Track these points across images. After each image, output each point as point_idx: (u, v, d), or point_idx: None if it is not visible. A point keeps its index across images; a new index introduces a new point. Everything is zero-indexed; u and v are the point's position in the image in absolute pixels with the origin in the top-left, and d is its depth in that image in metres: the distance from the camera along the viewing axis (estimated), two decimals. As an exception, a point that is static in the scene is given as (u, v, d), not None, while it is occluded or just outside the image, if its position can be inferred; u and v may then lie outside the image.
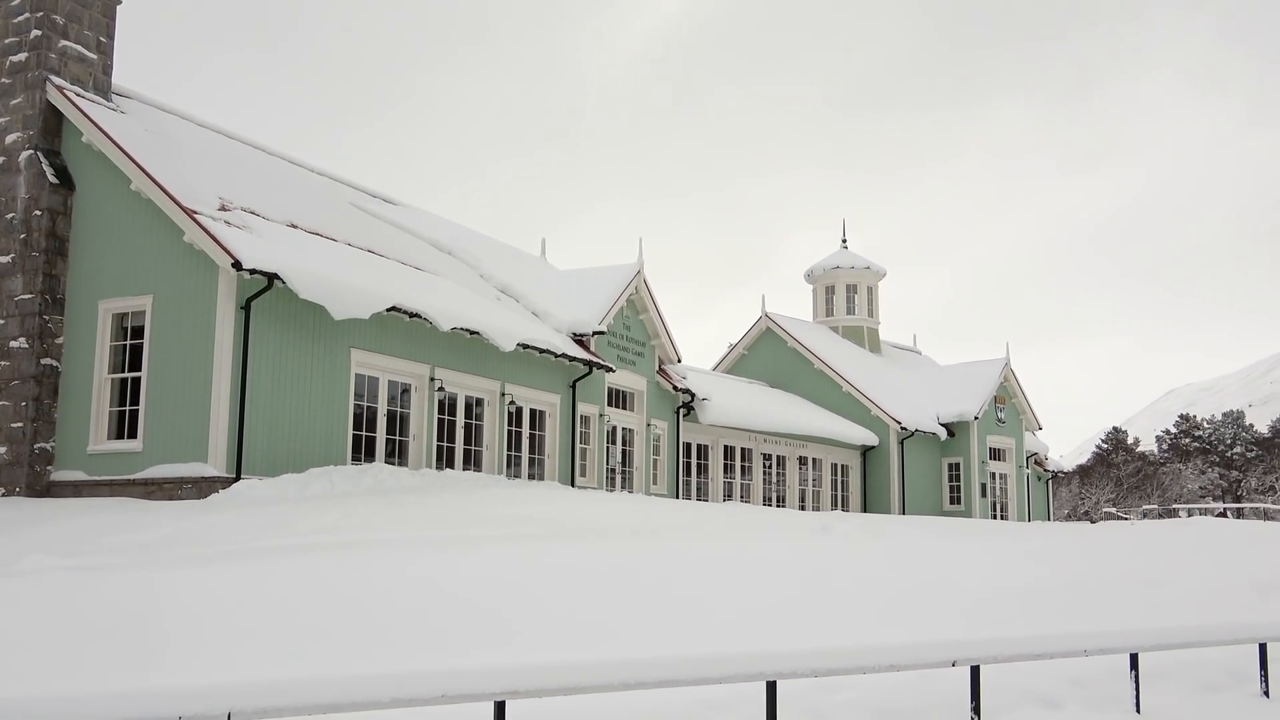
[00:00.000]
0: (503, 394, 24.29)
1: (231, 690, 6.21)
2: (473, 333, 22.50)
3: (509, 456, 24.72)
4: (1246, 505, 71.52)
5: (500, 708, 7.42)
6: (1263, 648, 11.79)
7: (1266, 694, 11.57)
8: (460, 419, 23.49)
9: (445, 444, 23.01)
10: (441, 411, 22.92)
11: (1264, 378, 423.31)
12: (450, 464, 22.98)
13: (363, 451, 21.00)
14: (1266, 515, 69.89)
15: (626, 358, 29.06)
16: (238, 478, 18.02)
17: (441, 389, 22.64)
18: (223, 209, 19.78)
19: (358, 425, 20.96)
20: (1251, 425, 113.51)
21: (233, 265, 17.85)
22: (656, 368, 30.45)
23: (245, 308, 18.51)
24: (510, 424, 24.79)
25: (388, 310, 20.28)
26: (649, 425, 29.91)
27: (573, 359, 25.55)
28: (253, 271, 18.05)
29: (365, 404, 21.16)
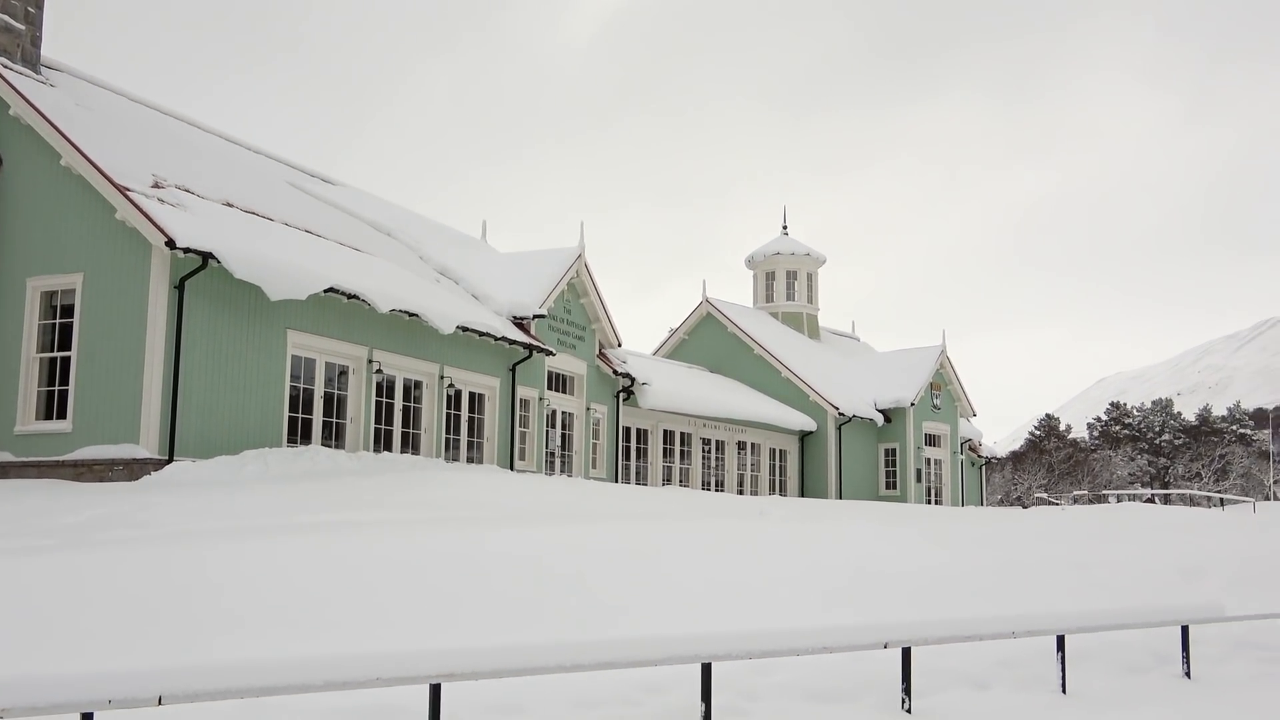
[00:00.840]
0: (442, 377, 24.17)
1: (162, 674, 6.14)
2: (412, 315, 22.34)
3: (448, 440, 24.61)
4: (1174, 491, 73.22)
5: (436, 690, 7.41)
6: (1185, 630, 12.09)
7: (1188, 675, 11.87)
8: (399, 402, 23.33)
9: (383, 427, 22.85)
10: (379, 394, 22.75)
11: (1192, 367, 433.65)
12: (388, 447, 22.84)
13: (299, 434, 20.79)
14: (1192, 501, 71.59)
15: (567, 341, 29.04)
16: (170, 459, 17.75)
17: (380, 371, 22.47)
18: (156, 186, 19.43)
19: (294, 407, 20.72)
20: (1179, 413, 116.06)
21: (166, 244, 17.55)
22: (597, 352, 30.46)
23: (179, 287, 18.21)
24: (449, 407, 24.67)
25: (325, 291, 20.06)
26: (589, 409, 29.93)
27: (513, 342, 25.47)
28: (186, 250, 17.76)
29: (302, 386, 20.93)
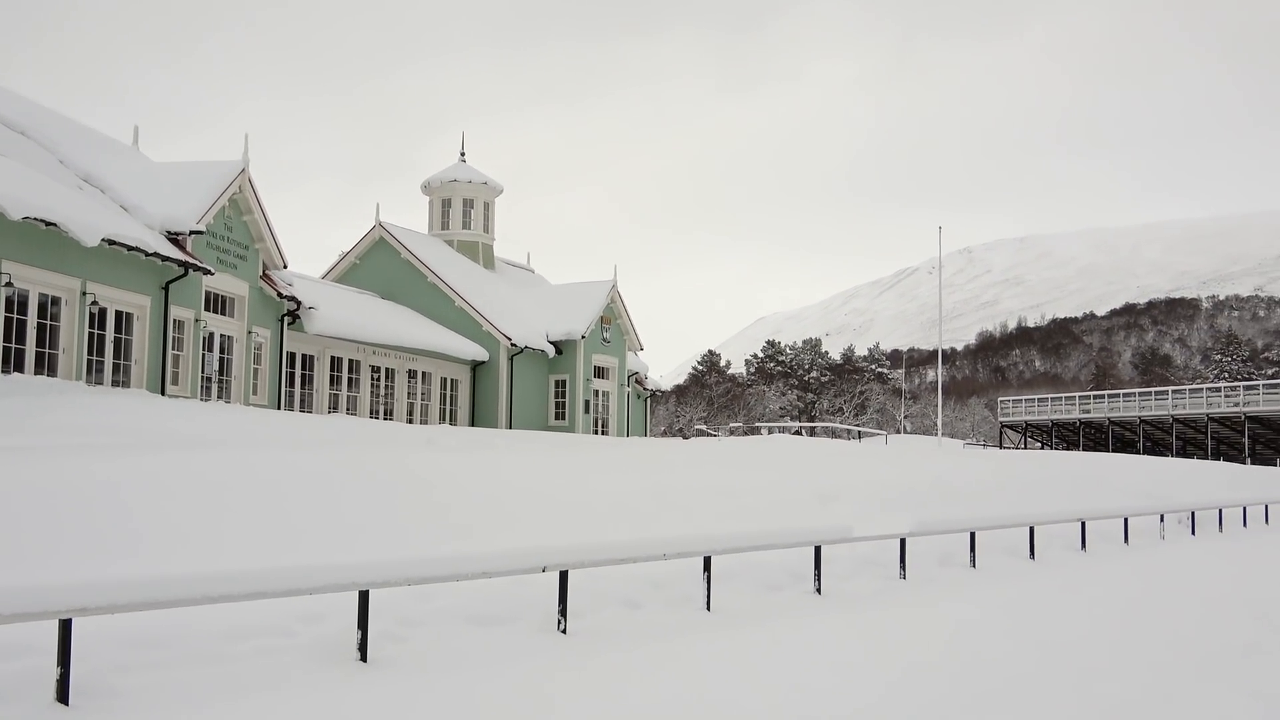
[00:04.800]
0: (84, 293, 22.30)
1: None
2: (49, 224, 20.41)
3: (90, 362, 22.80)
4: (819, 425, 78.93)
5: (66, 626, 6.90)
6: (818, 550, 13.10)
7: (819, 591, 12.88)
8: (32, 319, 21.35)
9: (14, 346, 20.86)
10: (10, 310, 20.72)
11: (841, 309, 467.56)
12: (20, 368, 20.90)
13: (-90, 351, 18.62)
14: (834, 434, 77.52)
15: (227, 261, 27.49)
16: None
17: (10, 284, 20.44)
18: None
19: (-96, 321, 18.53)
20: (827, 352, 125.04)
21: None
22: (260, 273, 29.03)
23: None
24: (92, 326, 22.83)
25: (-56, 193, 17.97)
26: (250, 333, 28.55)
27: (166, 259, 23.82)
28: None
29: (-86, 297, 18.73)
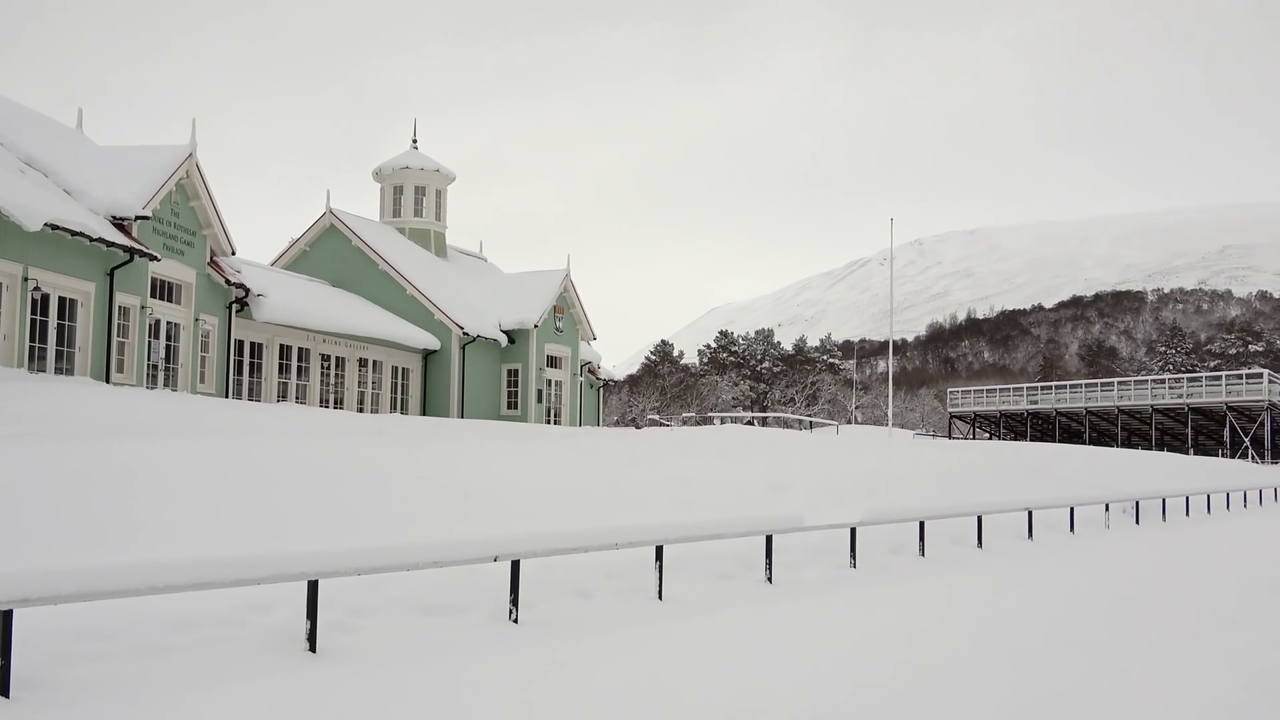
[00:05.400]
0: (25, 279, 21.87)
1: None
2: (-10, 208, 19.99)
3: (32, 349, 22.38)
4: (771, 414, 79.35)
5: (6, 617, 6.76)
6: (769, 540, 13.17)
7: (770, 580, 12.94)
8: (-27, 304, 20.92)
9: (-47, 332, 20.44)
10: (-51, 295, 20.29)
11: (793, 300, 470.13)
12: (-41, 354, 20.47)
13: None
14: (786, 424, 77.90)
15: (174, 247, 27.09)
16: None
17: (-50, 269, 20.02)
18: None
19: None
20: (779, 343, 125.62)
21: None
22: (208, 259, 28.64)
23: None
24: (35, 312, 22.40)
25: (-120, 175, 17.53)
26: (198, 320, 28.17)
27: (111, 244, 23.42)
28: None
29: None
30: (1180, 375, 76.52)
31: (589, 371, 47.45)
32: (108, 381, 23.82)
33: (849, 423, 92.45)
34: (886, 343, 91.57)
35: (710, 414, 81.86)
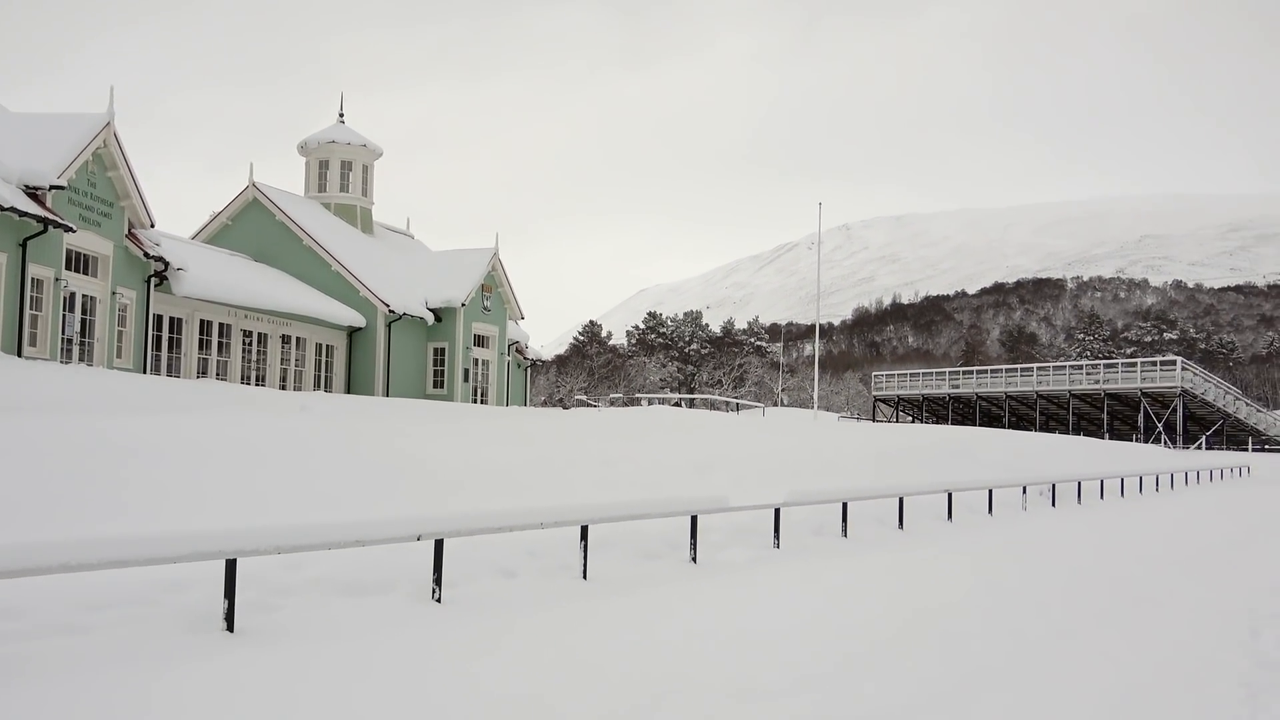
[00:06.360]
0: (-66, 248, 21.21)
1: None
2: (-105, 174, 19.31)
3: (-60, 320, 21.72)
4: (698, 396, 79.69)
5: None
6: (694, 520, 13.22)
7: (695, 560, 13.01)
8: (-123, 274, 20.21)
9: None
10: None
11: (722, 282, 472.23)
12: None
13: None
14: (713, 406, 78.31)
15: (91, 218, 26.40)
16: None
17: None
18: None
19: None
20: (707, 325, 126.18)
21: None
22: (126, 231, 27.95)
23: None
24: (-57, 283, 21.73)
25: None
26: (115, 294, 27.51)
27: (24, 214, 22.76)
28: None
29: None
30: (1097, 362, 78.26)
31: (517, 351, 47.23)
32: (20, 355, 23.20)
33: (775, 405, 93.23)
34: (813, 326, 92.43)
35: (638, 395, 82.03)
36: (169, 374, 30.75)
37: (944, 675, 8.07)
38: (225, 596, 8.29)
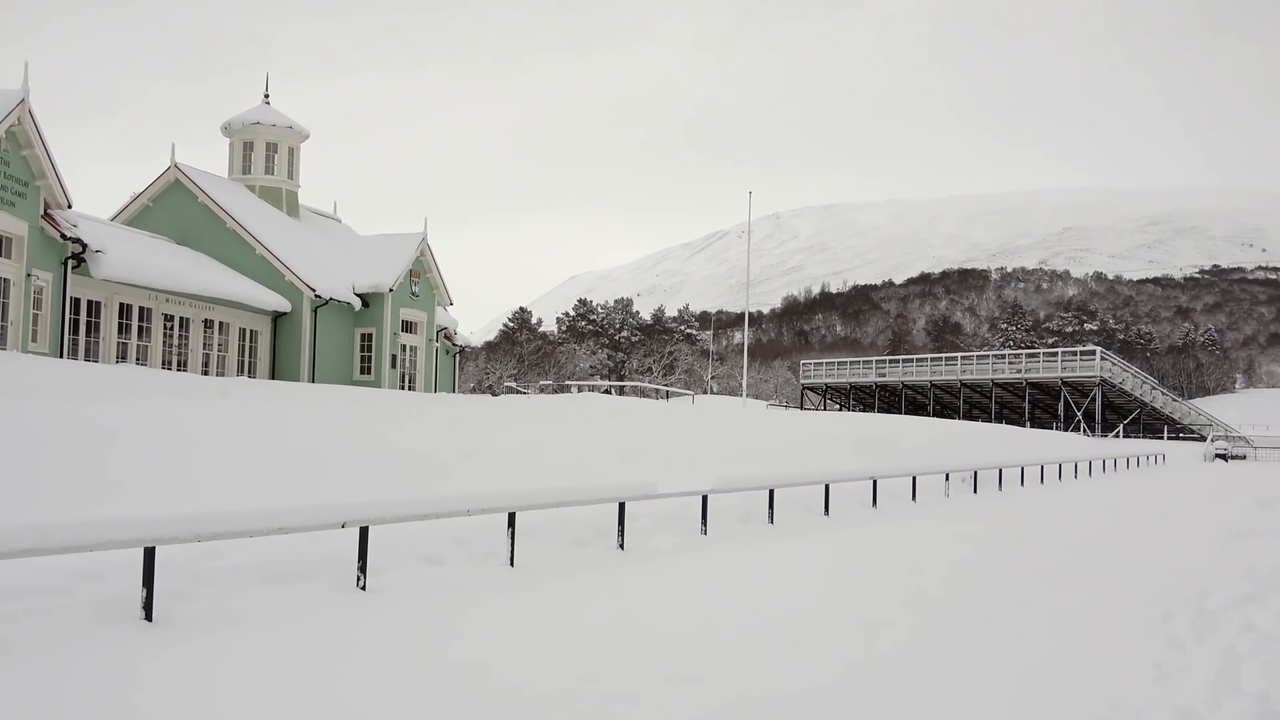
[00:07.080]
0: None
1: None
2: None
3: None
4: (628, 383, 79.74)
5: None
6: (621, 506, 13.24)
7: (622, 546, 13.03)
8: None
9: None
10: None
11: (652, 270, 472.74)
12: None
13: None
14: (643, 393, 78.46)
15: (4, 198, 25.66)
16: None
17: None
18: None
19: None
20: (638, 313, 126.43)
21: None
22: (42, 212, 27.21)
23: None
24: None
25: None
26: (30, 276, 26.78)
27: (-65, 193, 22.07)
28: None
29: None
30: (1020, 352, 79.75)
31: (445, 337, 46.88)
32: (-71, 338, 22.51)
33: (705, 393, 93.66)
34: (743, 314, 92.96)
35: (568, 382, 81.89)
36: (87, 358, 30.04)
37: (866, 657, 8.18)
38: (144, 585, 8.13)
